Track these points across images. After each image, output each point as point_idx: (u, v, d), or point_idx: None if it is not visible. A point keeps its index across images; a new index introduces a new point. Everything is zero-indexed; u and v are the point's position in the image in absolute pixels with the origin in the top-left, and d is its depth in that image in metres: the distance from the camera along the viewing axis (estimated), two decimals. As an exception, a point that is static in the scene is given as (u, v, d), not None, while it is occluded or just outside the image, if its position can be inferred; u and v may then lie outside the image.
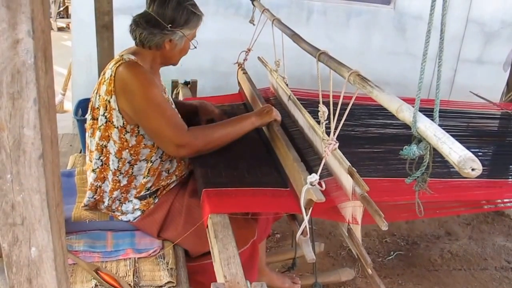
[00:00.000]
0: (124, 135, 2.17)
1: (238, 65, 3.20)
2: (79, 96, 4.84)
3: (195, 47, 2.36)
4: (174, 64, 2.40)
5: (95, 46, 3.86)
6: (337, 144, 1.76)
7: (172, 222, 2.28)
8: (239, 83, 3.22)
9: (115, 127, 2.16)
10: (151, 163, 2.27)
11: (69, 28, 9.63)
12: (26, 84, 0.91)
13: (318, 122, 1.97)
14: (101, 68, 4.00)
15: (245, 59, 3.17)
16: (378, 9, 5.58)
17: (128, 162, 2.23)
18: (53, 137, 1.01)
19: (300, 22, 5.35)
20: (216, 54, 5.22)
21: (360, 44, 5.62)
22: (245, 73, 3.12)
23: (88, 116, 2.26)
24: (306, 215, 1.75)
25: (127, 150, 2.20)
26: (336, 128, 1.72)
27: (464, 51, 5.79)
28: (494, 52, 5.84)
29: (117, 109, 2.12)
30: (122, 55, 2.21)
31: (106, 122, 2.17)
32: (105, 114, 2.15)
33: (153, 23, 2.20)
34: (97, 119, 2.19)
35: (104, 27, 3.73)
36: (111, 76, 2.11)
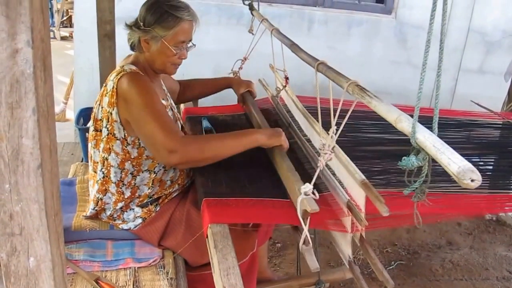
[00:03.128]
0: (126, 146, 2.18)
1: (234, 74, 3.19)
2: (81, 105, 4.86)
3: (175, 54, 2.26)
4: (166, 72, 2.37)
5: (97, 55, 3.87)
6: (333, 154, 1.73)
7: (173, 231, 2.28)
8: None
9: (117, 139, 2.16)
10: (155, 174, 2.27)
11: (72, 37, 9.65)
12: (25, 94, 0.91)
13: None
14: (103, 77, 4.01)
15: (240, 68, 3.15)
16: (379, 18, 5.59)
17: (130, 173, 2.23)
18: (52, 147, 1.01)
19: (301, 32, 5.36)
20: (218, 64, 5.22)
21: (361, 54, 5.63)
22: None
23: (90, 127, 2.26)
24: (305, 225, 1.73)
25: (129, 162, 2.21)
26: (332, 137, 1.69)
27: (465, 60, 5.79)
28: (495, 62, 5.84)
29: (118, 121, 2.13)
30: (123, 65, 2.21)
31: (108, 134, 2.17)
32: (107, 126, 2.16)
33: (133, 23, 2.26)
34: (100, 130, 2.20)
35: (106, 36, 3.74)
36: (113, 88, 2.11)
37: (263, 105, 3.10)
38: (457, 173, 1.10)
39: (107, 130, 2.16)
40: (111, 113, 2.12)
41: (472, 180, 1.09)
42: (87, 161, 3.95)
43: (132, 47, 2.31)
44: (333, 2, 5.47)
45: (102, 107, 2.17)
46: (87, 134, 4.07)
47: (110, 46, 3.79)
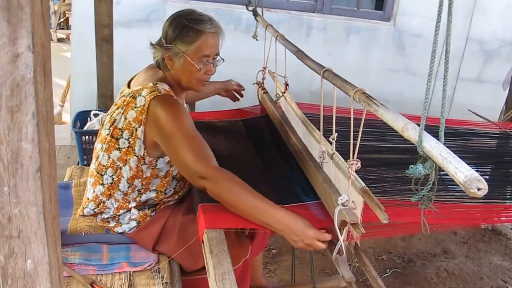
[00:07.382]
0: (141, 165, 2.17)
1: (258, 85, 3.19)
2: (77, 108, 4.84)
3: (199, 69, 2.20)
4: (192, 88, 2.30)
5: (94, 58, 3.87)
6: (359, 162, 1.71)
7: (166, 237, 2.28)
8: (260, 103, 3.20)
9: (135, 155, 2.15)
10: (164, 194, 2.30)
11: (69, 39, 9.64)
12: (25, 98, 0.91)
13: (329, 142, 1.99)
14: (100, 81, 4.02)
15: (263, 78, 3.14)
16: (378, 26, 5.59)
17: (137, 190, 2.24)
18: (50, 151, 1.02)
19: (299, 38, 5.35)
20: (217, 70, 5.21)
21: (359, 61, 5.62)
22: (265, 92, 3.09)
23: (105, 130, 2.21)
24: (341, 235, 1.74)
25: (139, 179, 2.20)
26: (354, 147, 1.68)
27: (463, 69, 5.77)
28: (493, 71, 5.83)
29: (142, 139, 2.11)
30: (156, 84, 2.16)
31: (128, 147, 2.15)
32: (129, 140, 2.13)
33: (157, 41, 2.23)
34: (117, 138, 2.16)
35: (104, 40, 3.75)
36: (143, 106, 2.07)
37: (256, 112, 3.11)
38: (464, 182, 1.11)
39: (128, 143, 2.14)
40: (136, 129, 2.10)
41: (478, 189, 1.10)
42: (83, 164, 3.97)
43: (158, 66, 2.26)
44: (332, 8, 5.48)
45: (125, 119, 2.13)
46: (83, 137, 4.08)
47: (107, 50, 3.80)
